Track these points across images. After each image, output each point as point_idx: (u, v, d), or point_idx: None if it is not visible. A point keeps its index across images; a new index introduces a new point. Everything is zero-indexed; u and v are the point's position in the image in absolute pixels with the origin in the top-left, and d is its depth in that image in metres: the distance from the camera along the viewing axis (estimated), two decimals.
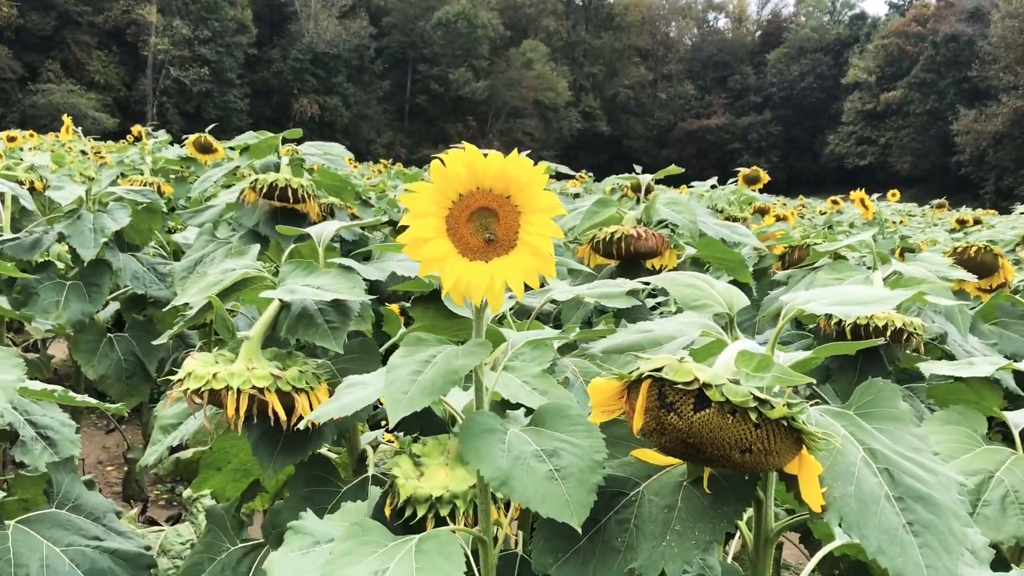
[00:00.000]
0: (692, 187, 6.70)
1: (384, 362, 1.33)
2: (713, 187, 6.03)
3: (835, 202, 8.09)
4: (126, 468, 3.77)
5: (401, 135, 70.07)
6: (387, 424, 1.86)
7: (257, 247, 1.78)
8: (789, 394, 0.91)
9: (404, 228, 1.03)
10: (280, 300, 1.53)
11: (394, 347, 1.78)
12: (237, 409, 1.38)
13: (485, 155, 1.02)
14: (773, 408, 0.88)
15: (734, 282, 2.56)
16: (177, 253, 3.61)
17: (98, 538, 1.71)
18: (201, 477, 1.83)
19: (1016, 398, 1.78)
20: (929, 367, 1.76)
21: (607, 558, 1.00)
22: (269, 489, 1.88)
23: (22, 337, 4.06)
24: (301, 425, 1.40)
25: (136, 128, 7.21)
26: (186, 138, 5.15)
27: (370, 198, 4.98)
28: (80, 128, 6.03)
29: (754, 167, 5.95)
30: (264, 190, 2.41)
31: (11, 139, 7.13)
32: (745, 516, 1.10)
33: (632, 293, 1.80)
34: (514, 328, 1.72)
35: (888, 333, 1.97)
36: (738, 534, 1.42)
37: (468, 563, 1.01)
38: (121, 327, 3.22)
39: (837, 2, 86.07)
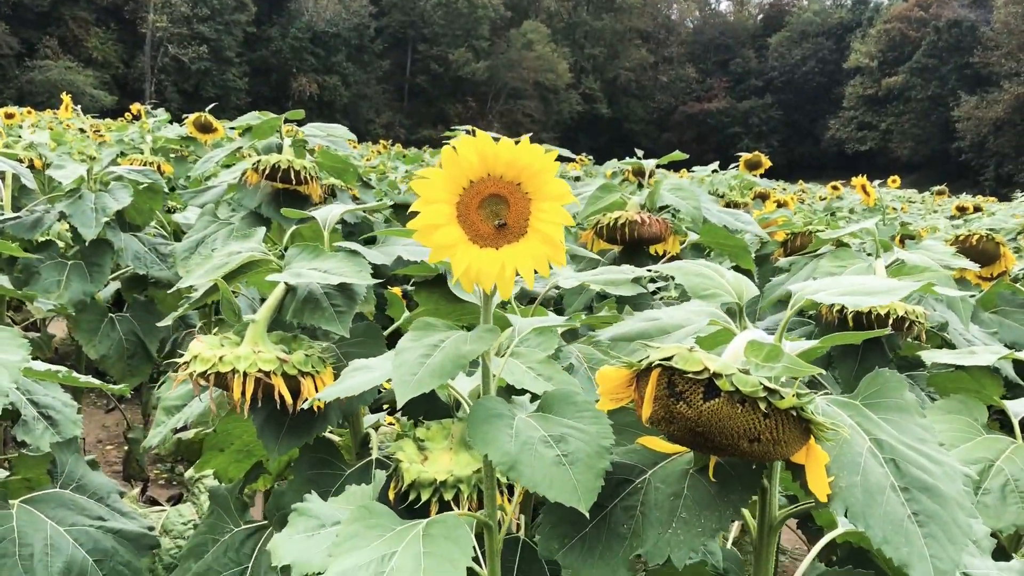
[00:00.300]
0: (693, 171, 6.67)
1: (389, 347, 1.33)
2: (715, 172, 6.00)
3: (835, 188, 8.05)
4: (126, 448, 3.78)
5: (400, 115, 69.69)
6: (389, 408, 1.87)
7: (262, 230, 1.78)
8: (798, 384, 0.91)
9: (414, 214, 1.03)
10: (286, 283, 1.53)
11: (398, 331, 1.78)
12: (243, 392, 1.38)
13: (496, 140, 1.02)
14: (783, 398, 0.89)
15: (736, 268, 2.56)
16: (178, 233, 3.59)
17: (102, 518, 1.72)
18: (204, 458, 1.83)
19: (1016, 387, 1.79)
20: (931, 355, 1.77)
21: (613, 544, 1.01)
22: (272, 471, 1.89)
23: (22, 316, 4.07)
24: (306, 405, 1.41)
25: (135, 106, 7.15)
26: (185, 117, 5.10)
27: (371, 179, 4.95)
28: (79, 106, 5.99)
29: (756, 152, 5.93)
30: (267, 171, 2.40)
31: (9, 116, 7.06)
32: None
33: (636, 280, 1.80)
34: (518, 313, 1.72)
35: (891, 321, 1.98)
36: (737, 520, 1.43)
37: (473, 547, 1.02)
38: (121, 307, 3.21)
39: None
